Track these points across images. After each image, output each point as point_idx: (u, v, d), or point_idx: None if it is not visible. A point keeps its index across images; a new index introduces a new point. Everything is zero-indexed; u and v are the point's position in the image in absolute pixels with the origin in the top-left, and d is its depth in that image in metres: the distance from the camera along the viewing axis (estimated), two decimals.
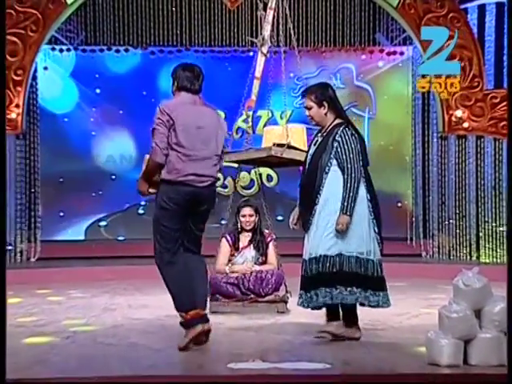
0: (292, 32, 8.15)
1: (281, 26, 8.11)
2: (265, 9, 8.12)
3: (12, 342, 5.70)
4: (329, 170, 5.64)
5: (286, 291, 7.49)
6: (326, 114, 5.81)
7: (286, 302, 7.40)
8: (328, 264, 5.56)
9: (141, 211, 13.64)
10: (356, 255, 5.57)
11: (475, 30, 12.42)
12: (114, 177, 13.76)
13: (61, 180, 13.62)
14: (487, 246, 12.28)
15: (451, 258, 12.63)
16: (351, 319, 5.73)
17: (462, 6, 12.48)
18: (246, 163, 8.01)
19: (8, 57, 11.89)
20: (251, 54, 12.12)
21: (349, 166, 5.58)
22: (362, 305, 5.65)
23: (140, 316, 7.23)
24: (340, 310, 5.72)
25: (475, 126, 12.33)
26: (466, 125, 12.34)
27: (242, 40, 13.08)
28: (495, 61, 12.44)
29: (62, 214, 13.72)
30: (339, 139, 5.65)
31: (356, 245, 5.58)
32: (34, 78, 12.90)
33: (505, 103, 11.87)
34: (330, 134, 5.72)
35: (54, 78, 13.64)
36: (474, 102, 12.29)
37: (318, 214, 5.64)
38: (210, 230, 10.00)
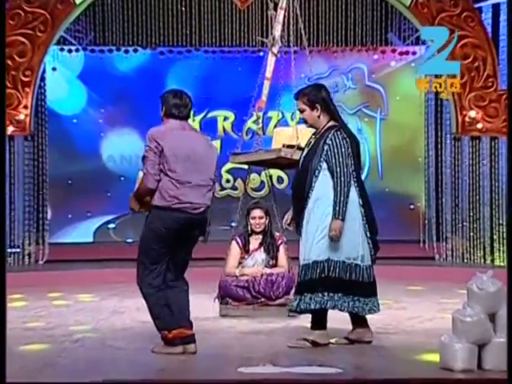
0: (303, 32, 8.12)
1: (291, 26, 8.07)
2: (275, 8, 8.09)
3: (20, 345, 5.79)
4: (319, 173, 5.60)
5: None
6: (319, 117, 5.76)
7: None
8: (319, 270, 5.52)
9: None
10: (343, 260, 5.51)
11: (489, 29, 12.32)
12: (122, 178, 13.67)
13: (69, 182, 13.56)
14: (501, 248, 12.16)
15: (465, 261, 12.55)
16: (317, 323, 5.65)
17: (476, 5, 12.39)
18: (255, 165, 7.99)
19: (16, 57, 11.87)
20: (261, 54, 12.02)
21: (338, 169, 5.52)
22: (342, 310, 5.59)
23: (149, 319, 7.09)
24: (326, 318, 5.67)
25: (489, 126, 12.23)
26: (479, 126, 12.25)
27: (252, 40, 13.02)
28: (510, 60, 12.31)
29: (70, 216, 13.67)
30: (330, 142, 5.59)
31: (345, 249, 5.53)
32: (43, 78, 12.84)
33: None
34: (322, 136, 5.68)
35: (62, 78, 13.59)
36: (488, 103, 12.20)
37: (308, 218, 5.61)
38: (220, 233, 9.93)
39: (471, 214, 12.57)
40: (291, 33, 8.05)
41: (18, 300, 8.82)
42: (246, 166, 8.32)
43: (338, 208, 5.46)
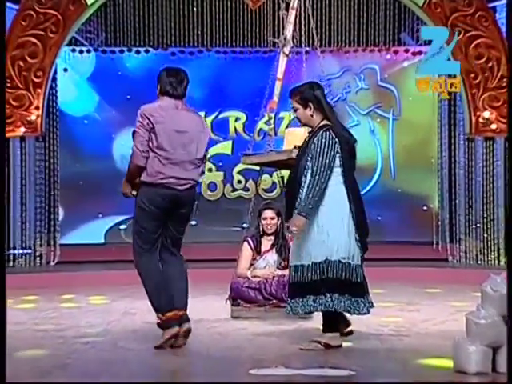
0: (314, 32, 8.10)
1: (303, 26, 8.03)
2: (287, 9, 8.08)
3: (31, 346, 5.75)
4: (307, 172, 5.49)
5: None
6: (312, 116, 5.65)
7: None
8: (319, 271, 5.43)
9: None
10: (339, 259, 5.41)
11: (503, 29, 12.22)
12: None
13: (80, 183, 13.53)
14: None
15: (479, 262, 12.50)
16: (329, 325, 5.59)
17: (491, 5, 12.34)
18: (267, 166, 7.94)
19: (28, 58, 11.89)
20: (273, 54, 11.98)
21: (315, 168, 5.40)
22: (334, 310, 5.49)
23: None
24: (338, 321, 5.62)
25: (503, 127, 12.15)
26: (493, 126, 12.19)
27: (264, 40, 13.01)
28: (510, 60, 12.23)
29: (81, 217, 13.64)
30: (316, 142, 5.48)
31: (339, 249, 5.42)
32: (54, 79, 12.87)
33: None
34: (313, 136, 5.58)
35: (73, 79, 13.60)
36: (502, 103, 12.11)
37: None
38: (232, 234, 9.88)
39: (485, 215, 12.52)
40: (303, 33, 8.03)
41: (29, 302, 8.80)
42: (257, 167, 8.27)
43: (303, 204, 5.34)
